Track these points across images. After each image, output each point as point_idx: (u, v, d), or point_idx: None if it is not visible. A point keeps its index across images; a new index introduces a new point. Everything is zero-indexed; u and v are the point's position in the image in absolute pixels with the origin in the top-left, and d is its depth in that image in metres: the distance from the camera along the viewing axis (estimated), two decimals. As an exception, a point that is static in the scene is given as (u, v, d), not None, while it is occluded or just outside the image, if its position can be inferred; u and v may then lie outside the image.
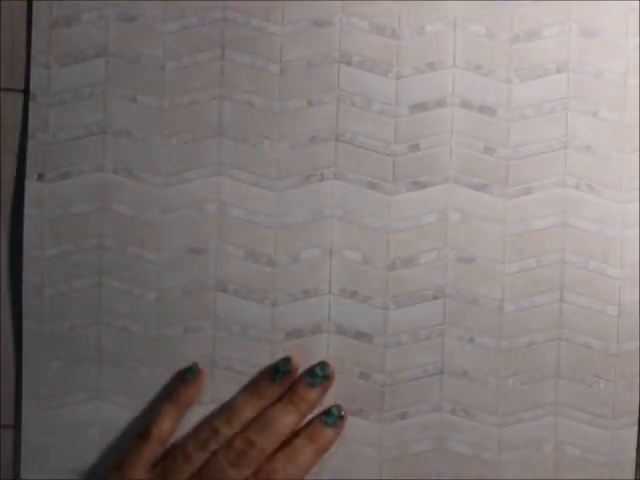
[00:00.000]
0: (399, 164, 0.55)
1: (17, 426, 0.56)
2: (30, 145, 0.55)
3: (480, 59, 0.55)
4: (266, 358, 0.55)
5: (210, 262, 0.55)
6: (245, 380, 0.55)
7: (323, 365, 0.54)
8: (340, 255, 0.55)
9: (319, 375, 0.54)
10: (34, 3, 0.55)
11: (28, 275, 0.55)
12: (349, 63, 0.55)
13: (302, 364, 0.55)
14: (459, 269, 0.55)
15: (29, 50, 0.55)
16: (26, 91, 0.56)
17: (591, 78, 0.55)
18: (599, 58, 0.55)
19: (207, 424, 0.54)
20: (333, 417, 0.54)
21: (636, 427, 0.55)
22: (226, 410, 0.54)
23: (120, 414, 0.56)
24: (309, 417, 0.55)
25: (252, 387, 0.55)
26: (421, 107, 0.55)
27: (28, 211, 0.55)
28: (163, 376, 0.55)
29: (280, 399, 0.54)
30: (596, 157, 0.55)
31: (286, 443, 0.54)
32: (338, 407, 0.55)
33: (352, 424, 0.55)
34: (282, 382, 0.54)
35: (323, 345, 0.55)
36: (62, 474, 0.55)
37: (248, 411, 0.54)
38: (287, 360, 0.55)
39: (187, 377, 0.55)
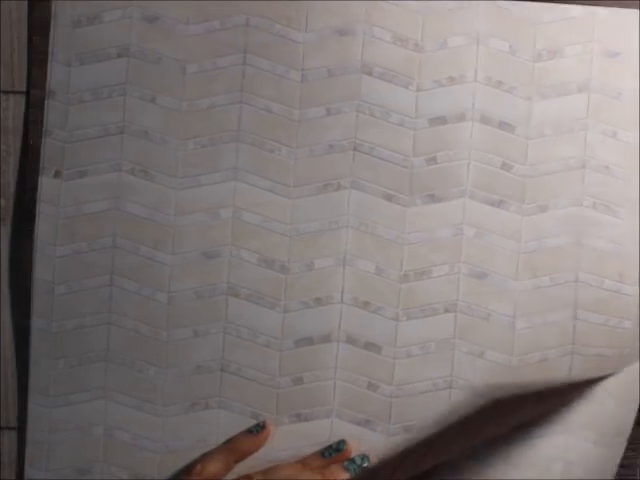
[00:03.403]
0: (416, 176, 0.55)
1: (22, 423, 0.56)
2: (47, 142, 0.55)
3: (501, 75, 0.55)
4: (275, 365, 0.55)
5: (223, 267, 0.55)
6: (253, 385, 0.55)
7: (364, 457, 0.54)
8: (353, 265, 0.55)
9: (357, 463, 0.54)
10: (57, 2, 0.55)
11: (39, 272, 0.55)
12: (370, 73, 0.55)
13: (311, 371, 0.55)
14: (471, 284, 0.55)
15: (29, 52, 0.55)
16: (28, 93, 0.56)
17: (611, 98, 0.55)
18: (620, 78, 0.55)
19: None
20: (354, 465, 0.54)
21: None
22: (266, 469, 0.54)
23: (126, 414, 0.55)
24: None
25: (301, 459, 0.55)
26: (440, 121, 0.55)
27: (42, 208, 0.55)
28: (170, 378, 0.55)
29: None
30: (613, 178, 0.55)
31: None
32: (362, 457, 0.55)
33: (358, 434, 0.55)
34: (330, 459, 0.54)
35: (332, 354, 0.55)
36: (66, 473, 0.55)
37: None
38: (343, 442, 0.55)
39: (252, 429, 0.55)
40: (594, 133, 0.55)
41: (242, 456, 0.54)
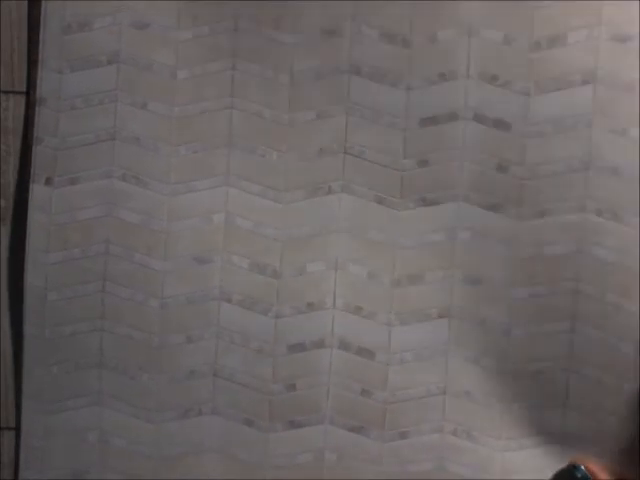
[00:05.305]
0: (408, 179, 0.54)
1: (17, 429, 0.57)
2: (39, 149, 0.56)
3: (496, 69, 0.53)
4: (268, 370, 0.55)
5: (215, 272, 0.55)
6: (246, 391, 0.55)
7: None
8: (345, 269, 0.54)
9: None
10: (48, 7, 0.55)
11: (32, 279, 0.56)
12: (359, 73, 0.54)
13: (303, 377, 0.55)
14: (465, 289, 0.53)
15: (30, 52, 0.56)
16: (28, 93, 0.56)
17: (621, 91, 0.52)
18: (630, 67, 0.52)
19: None
20: None
21: None
22: None
23: (120, 420, 0.56)
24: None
25: None
26: (432, 120, 0.53)
27: (34, 215, 0.56)
28: (163, 384, 0.56)
29: None
30: (622, 181, 0.52)
31: None
32: None
33: (352, 441, 0.55)
34: None
35: (325, 360, 0.55)
36: (62, 478, 0.56)
37: None
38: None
39: None
40: (600, 131, 0.52)
41: None
